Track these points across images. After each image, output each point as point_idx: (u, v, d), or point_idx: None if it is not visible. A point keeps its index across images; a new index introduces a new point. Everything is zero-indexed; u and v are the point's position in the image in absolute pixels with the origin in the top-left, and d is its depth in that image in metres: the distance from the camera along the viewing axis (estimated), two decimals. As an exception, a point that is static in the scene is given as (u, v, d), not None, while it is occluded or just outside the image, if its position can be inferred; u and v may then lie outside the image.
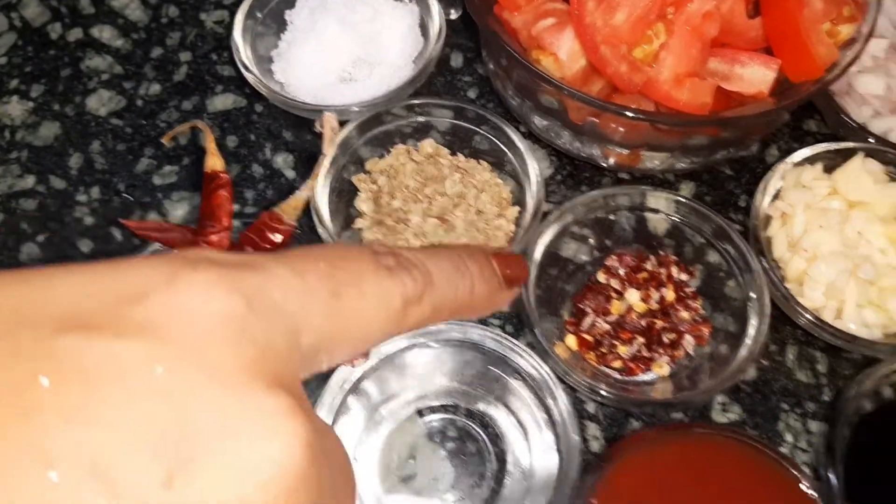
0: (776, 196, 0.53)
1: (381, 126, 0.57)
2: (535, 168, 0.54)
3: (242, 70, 0.59)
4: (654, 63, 0.48)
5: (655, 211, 0.55)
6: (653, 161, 0.56)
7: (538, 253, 0.51)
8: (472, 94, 0.64)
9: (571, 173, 0.61)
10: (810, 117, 0.62)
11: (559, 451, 0.46)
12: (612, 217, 0.55)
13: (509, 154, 0.56)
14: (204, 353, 0.18)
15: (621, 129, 0.51)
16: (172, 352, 0.18)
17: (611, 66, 0.46)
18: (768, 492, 0.44)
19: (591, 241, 0.56)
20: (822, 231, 0.50)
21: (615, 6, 0.46)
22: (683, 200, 0.53)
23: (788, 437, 0.51)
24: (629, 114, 0.47)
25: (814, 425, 0.51)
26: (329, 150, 0.50)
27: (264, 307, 0.20)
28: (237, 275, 0.20)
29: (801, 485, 0.43)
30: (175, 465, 0.17)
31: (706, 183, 0.60)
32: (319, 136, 0.51)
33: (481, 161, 0.57)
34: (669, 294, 0.52)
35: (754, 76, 0.49)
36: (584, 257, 0.56)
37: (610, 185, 0.60)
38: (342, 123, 0.54)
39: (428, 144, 0.57)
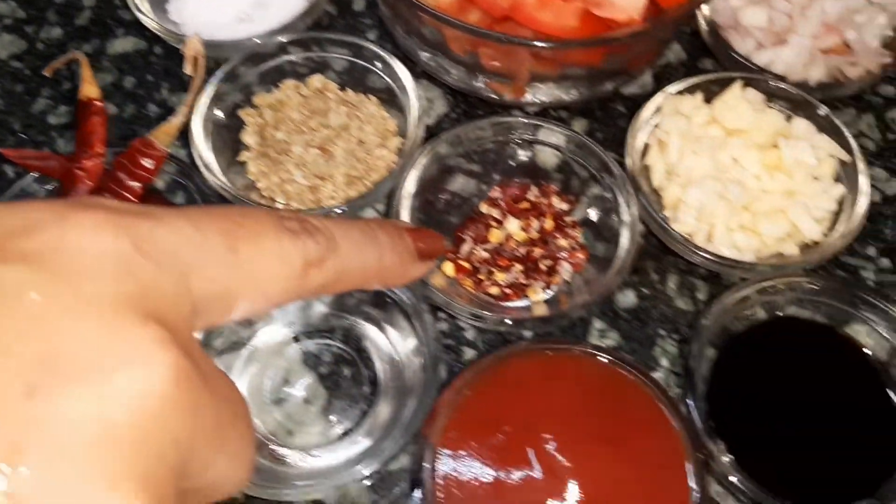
0: (657, 126, 0.53)
1: (272, 61, 0.58)
2: (415, 100, 0.54)
3: (134, 9, 0.59)
4: (520, -14, 0.48)
5: (543, 144, 0.55)
6: (538, 94, 0.56)
7: (411, 182, 0.51)
8: (371, 35, 0.64)
9: (466, 111, 0.61)
10: (706, 56, 0.62)
11: (425, 373, 0.46)
12: (501, 151, 0.55)
13: (397, 90, 0.56)
14: (82, 285, 0.19)
15: (497, 59, 0.51)
16: (50, 280, 0.19)
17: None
18: (626, 407, 0.44)
19: (480, 174, 0.56)
20: (695, 157, 0.50)
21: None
22: (567, 134, 0.53)
23: (664, 362, 0.51)
24: (499, 38, 0.47)
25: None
26: (192, 72, 0.50)
27: (153, 250, 0.21)
28: (129, 219, 0.21)
29: (658, 401, 0.44)
30: (39, 381, 0.17)
31: (599, 120, 0.60)
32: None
33: (370, 96, 0.57)
34: (548, 223, 0.53)
35: (624, 2, 0.50)
36: (472, 190, 0.56)
37: (503, 121, 0.60)
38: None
39: (316, 79, 0.57)
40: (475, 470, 0.42)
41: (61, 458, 0.17)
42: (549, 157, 0.56)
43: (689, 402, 0.44)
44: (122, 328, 0.19)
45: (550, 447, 0.42)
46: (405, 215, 0.50)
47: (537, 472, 0.41)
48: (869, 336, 0.48)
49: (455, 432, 0.43)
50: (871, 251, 0.55)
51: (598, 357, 0.45)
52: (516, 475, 0.42)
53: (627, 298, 0.53)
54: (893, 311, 0.46)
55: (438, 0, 0.50)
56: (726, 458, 0.43)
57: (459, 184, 0.56)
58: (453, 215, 0.55)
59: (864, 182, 0.50)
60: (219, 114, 0.55)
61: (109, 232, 0.20)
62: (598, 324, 0.52)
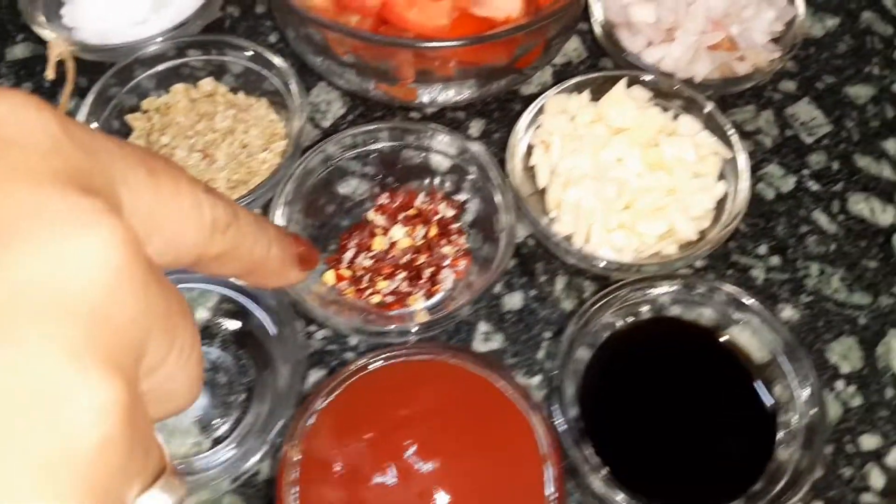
0: (539, 126, 0.53)
1: (163, 64, 0.57)
2: (299, 103, 0.53)
3: (24, 16, 0.59)
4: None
5: (430, 149, 0.54)
6: (431, 95, 0.56)
7: (291, 185, 0.51)
8: (272, 38, 0.64)
9: (364, 113, 0.60)
10: (606, 55, 0.62)
11: (292, 379, 0.46)
12: (394, 153, 0.55)
13: (288, 93, 0.56)
14: (11, 154, 0.18)
15: (377, 60, 0.51)
16: None
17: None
18: (489, 412, 0.44)
19: (372, 176, 0.56)
20: (575, 156, 0.50)
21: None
22: (451, 137, 0.53)
23: (548, 365, 0.51)
24: (366, 37, 0.46)
25: (570, 351, 0.51)
26: (54, 75, 0.50)
27: (77, 137, 0.19)
28: (52, 108, 0.19)
29: (521, 406, 0.43)
30: None
31: (496, 120, 0.60)
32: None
33: (262, 99, 0.57)
34: (433, 230, 0.52)
35: (498, 1, 0.49)
36: (364, 193, 0.56)
37: (399, 122, 0.60)
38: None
39: (206, 83, 0.57)
40: (334, 477, 0.41)
41: (14, 328, 0.15)
42: (439, 161, 0.55)
43: (554, 406, 0.44)
44: (62, 195, 0.17)
45: (410, 453, 0.42)
46: (280, 219, 0.50)
47: (395, 478, 0.41)
48: (748, 338, 0.48)
49: (316, 439, 0.42)
50: (763, 249, 0.54)
51: (464, 362, 0.44)
52: (376, 481, 0.41)
53: (514, 301, 0.53)
54: (769, 315, 0.46)
55: (314, 1, 0.50)
56: (593, 463, 0.43)
57: (351, 186, 0.56)
58: (344, 219, 0.55)
59: (743, 180, 0.50)
60: (107, 118, 0.54)
61: (34, 108, 0.19)
62: (483, 327, 0.52)
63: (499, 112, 0.60)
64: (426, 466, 0.41)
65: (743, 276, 0.53)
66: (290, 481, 0.41)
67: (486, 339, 0.52)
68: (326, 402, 0.43)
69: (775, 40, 0.57)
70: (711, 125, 0.52)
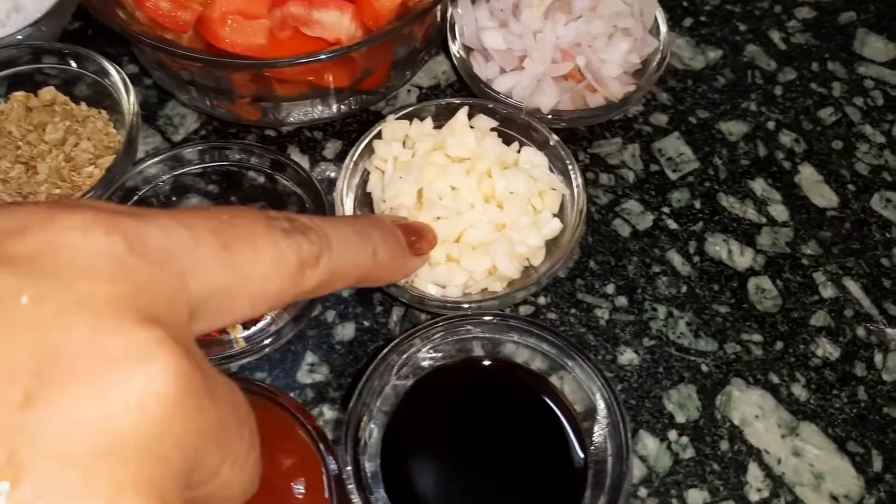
0: (374, 152, 0.51)
1: (9, 69, 0.55)
2: (131, 116, 0.51)
3: None
4: (209, 2, 0.45)
5: (268, 171, 0.52)
6: (276, 113, 0.54)
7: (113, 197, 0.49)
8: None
9: (217, 129, 0.58)
10: (475, 79, 0.60)
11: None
12: (239, 173, 0.53)
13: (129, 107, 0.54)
14: (75, 286, 0.18)
15: (208, 77, 0.49)
16: (41, 283, 0.18)
17: (150, 3, 0.44)
18: (281, 449, 0.42)
19: (216, 195, 0.53)
20: (402, 183, 0.48)
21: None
22: (273, 158, 0.51)
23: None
24: (178, 53, 0.44)
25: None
26: None
27: (145, 249, 0.20)
28: (118, 218, 0.20)
29: (312, 445, 0.41)
30: (36, 389, 0.16)
31: (353, 142, 0.58)
32: None
33: (102, 112, 0.55)
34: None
35: (331, 21, 0.47)
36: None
37: (254, 140, 0.58)
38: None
39: (46, 92, 0.55)
40: None
41: (63, 469, 0.16)
42: (281, 182, 0.53)
43: (346, 444, 0.41)
44: (119, 329, 0.18)
45: None
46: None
47: None
48: (572, 386, 0.45)
49: None
50: (611, 288, 0.52)
51: (262, 397, 0.42)
52: None
53: (346, 331, 0.51)
54: (592, 366, 0.43)
55: (138, 16, 0.48)
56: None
57: (192, 205, 0.54)
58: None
59: (573, 216, 0.48)
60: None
61: (101, 231, 0.19)
62: (310, 357, 0.50)
63: (358, 133, 0.58)
64: None
65: (587, 315, 0.51)
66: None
67: (310, 371, 0.49)
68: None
69: (638, 71, 0.55)
70: (555, 159, 0.50)
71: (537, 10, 0.51)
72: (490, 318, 0.45)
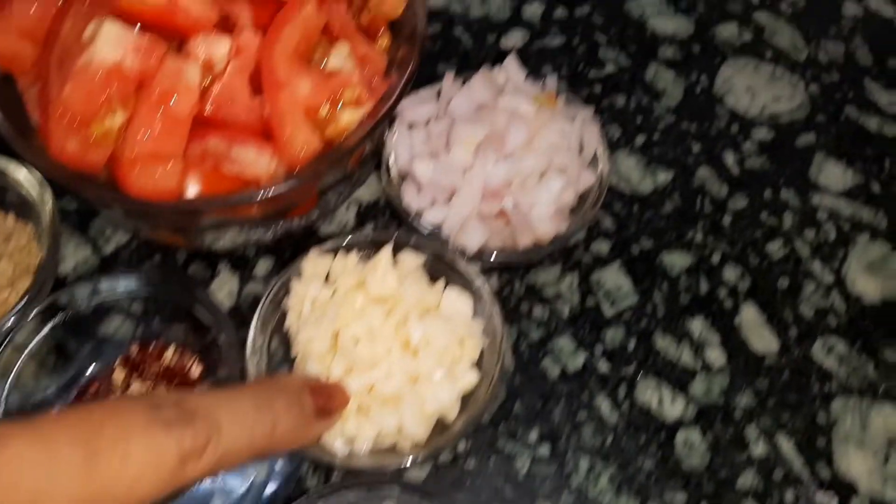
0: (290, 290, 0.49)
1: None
2: (48, 236, 0.50)
3: None
4: (120, 142, 0.44)
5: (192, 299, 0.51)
6: (201, 240, 0.53)
7: (31, 325, 0.48)
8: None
9: (148, 241, 0.57)
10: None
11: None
12: (161, 299, 0.51)
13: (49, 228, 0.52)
14: None
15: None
16: None
17: (56, 142, 0.43)
18: None
19: (139, 317, 0.52)
20: (315, 327, 0.46)
21: (66, 77, 0.43)
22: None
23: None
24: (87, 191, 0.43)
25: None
26: None
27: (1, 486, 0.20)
28: None
29: None
30: None
31: (286, 261, 0.56)
32: None
33: (28, 225, 0.54)
34: (172, 391, 0.49)
35: (248, 159, 0.46)
36: (129, 333, 0.52)
37: (184, 256, 0.57)
38: None
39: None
40: None
41: None
42: (200, 310, 0.52)
43: None
44: None
45: None
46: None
47: None
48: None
49: None
50: (534, 436, 0.51)
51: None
52: None
53: (269, 489, 0.49)
54: None
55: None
56: None
57: (114, 325, 0.53)
58: (98, 361, 0.51)
59: (494, 377, 0.46)
60: None
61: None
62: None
63: (291, 250, 0.57)
64: None
65: (506, 465, 0.50)
66: None
67: (214, 514, 0.48)
68: None
69: (576, 208, 0.53)
70: (480, 302, 0.49)
71: (467, 147, 0.49)
72: (391, 485, 0.43)
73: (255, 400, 0.29)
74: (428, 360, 0.46)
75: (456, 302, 0.49)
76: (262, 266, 0.56)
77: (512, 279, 0.56)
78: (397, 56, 0.50)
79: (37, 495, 0.21)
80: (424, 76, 0.62)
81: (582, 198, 0.53)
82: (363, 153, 0.53)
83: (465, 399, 0.48)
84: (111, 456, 0.23)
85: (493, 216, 0.51)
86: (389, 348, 0.47)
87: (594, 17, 0.70)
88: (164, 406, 0.26)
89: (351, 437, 0.46)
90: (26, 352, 0.48)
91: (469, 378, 0.47)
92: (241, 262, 0.56)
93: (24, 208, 0.54)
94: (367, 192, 0.59)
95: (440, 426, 0.47)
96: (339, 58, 0.48)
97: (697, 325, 0.55)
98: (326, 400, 0.36)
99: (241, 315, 0.53)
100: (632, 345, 0.54)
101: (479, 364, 0.48)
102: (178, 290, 0.50)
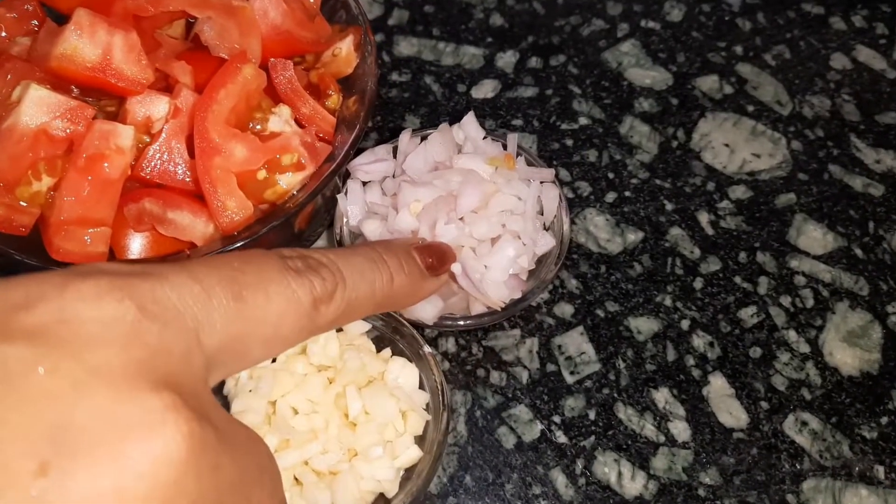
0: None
1: None
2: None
3: None
4: (48, 205, 0.43)
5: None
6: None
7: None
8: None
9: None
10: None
11: None
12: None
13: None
14: (88, 356, 0.19)
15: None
16: (56, 354, 0.19)
17: (-18, 206, 0.42)
18: None
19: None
20: (251, 397, 0.45)
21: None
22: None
23: None
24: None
25: None
26: None
27: (157, 311, 0.21)
28: (129, 281, 0.21)
29: None
30: (52, 457, 0.17)
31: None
32: None
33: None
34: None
35: (184, 223, 0.45)
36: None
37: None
38: None
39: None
40: None
41: None
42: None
43: None
44: (131, 397, 0.19)
45: None
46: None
47: None
48: None
49: None
50: (483, 512, 0.48)
51: None
52: None
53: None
54: None
55: None
56: None
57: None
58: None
59: (435, 453, 0.44)
60: None
61: (112, 297, 0.20)
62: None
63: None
64: None
65: (452, 543, 0.47)
66: None
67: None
68: None
69: (534, 269, 0.51)
70: (427, 371, 0.47)
71: (413, 209, 0.47)
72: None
73: (371, 256, 0.31)
74: (367, 435, 0.44)
75: (401, 373, 0.47)
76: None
77: (469, 342, 0.54)
78: (347, 114, 0.49)
79: (197, 324, 0.22)
80: (389, 127, 0.61)
81: (541, 261, 0.51)
82: (312, 212, 0.51)
83: (410, 471, 0.45)
84: (255, 296, 0.24)
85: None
86: (328, 420, 0.45)
87: (569, 66, 0.68)
88: (291, 258, 0.27)
89: (283, 513, 0.43)
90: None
91: (410, 454, 0.45)
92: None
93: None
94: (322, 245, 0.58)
95: (381, 501, 0.45)
96: (278, 121, 0.47)
97: (662, 396, 0.52)
98: (436, 258, 0.37)
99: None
100: (592, 415, 0.52)
101: (423, 438, 0.46)
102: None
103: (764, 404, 0.52)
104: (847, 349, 0.55)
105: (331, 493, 0.43)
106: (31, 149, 0.41)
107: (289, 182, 0.45)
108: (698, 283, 0.57)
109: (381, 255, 0.31)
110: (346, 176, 0.53)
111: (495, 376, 0.53)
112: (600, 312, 0.56)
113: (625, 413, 0.52)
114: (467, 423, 0.51)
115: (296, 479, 0.44)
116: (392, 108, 0.64)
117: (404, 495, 0.44)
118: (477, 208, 0.49)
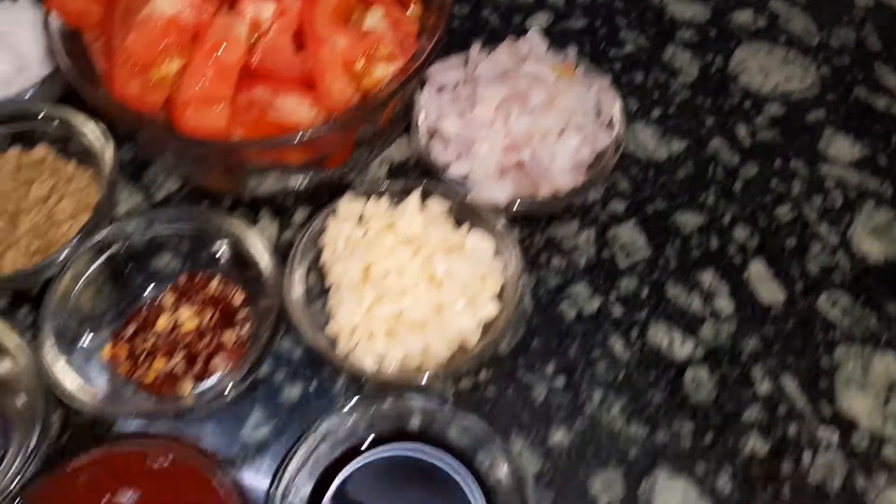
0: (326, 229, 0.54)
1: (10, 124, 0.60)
2: (111, 177, 0.56)
3: None
4: (176, 86, 0.49)
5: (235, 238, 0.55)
6: (244, 185, 0.57)
7: (84, 259, 0.53)
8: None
9: (196, 188, 0.62)
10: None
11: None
12: (205, 239, 0.56)
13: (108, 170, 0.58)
14: None
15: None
16: None
17: (119, 85, 0.48)
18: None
19: (187, 255, 0.57)
20: (349, 261, 0.51)
21: (129, 28, 0.48)
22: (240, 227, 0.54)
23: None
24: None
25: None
26: None
27: None
28: None
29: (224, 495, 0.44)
30: None
31: (323, 206, 0.61)
32: None
33: (89, 170, 0.59)
34: (218, 315, 0.53)
35: (290, 107, 0.51)
36: (176, 270, 0.57)
37: (229, 201, 0.61)
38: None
39: (39, 150, 0.59)
40: None
41: None
42: (244, 250, 0.56)
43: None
44: None
45: None
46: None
47: None
48: (493, 467, 0.47)
49: None
50: (550, 368, 0.54)
51: (179, 454, 0.45)
52: None
53: (293, 392, 0.53)
54: (506, 448, 0.45)
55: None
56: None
57: (164, 260, 0.57)
58: (150, 291, 0.56)
59: (513, 307, 0.50)
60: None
61: None
62: (255, 414, 0.52)
63: (328, 199, 0.61)
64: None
65: (524, 393, 0.53)
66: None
67: (255, 428, 0.52)
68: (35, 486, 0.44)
69: (594, 162, 0.57)
70: (502, 243, 0.53)
71: (489, 104, 0.54)
72: (424, 396, 0.47)
73: None
74: (451, 292, 0.50)
75: (479, 243, 0.53)
76: (300, 214, 0.61)
77: (532, 232, 0.60)
78: (427, 24, 0.55)
79: None
80: (454, 50, 0.67)
81: (599, 157, 0.57)
82: (395, 109, 0.58)
83: (486, 329, 0.51)
84: None
85: (514, 167, 0.55)
86: (416, 282, 0.51)
87: (615, 2, 0.74)
88: None
89: (380, 356, 0.50)
90: (83, 278, 0.53)
91: (489, 309, 0.51)
92: (280, 210, 0.61)
93: (85, 156, 0.59)
94: (397, 152, 0.64)
95: (462, 351, 0.51)
96: (373, 19, 0.53)
97: (707, 277, 0.58)
98: None
99: (279, 257, 0.58)
100: (645, 292, 0.58)
101: (499, 297, 0.52)
102: (223, 228, 0.55)
103: (799, 285, 0.58)
104: (873, 241, 0.60)
105: (423, 339, 0.49)
106: (163, 35, 0.48)
107: (382, 73, 0.51)
108: (738, 186, 0.63)
109: None
110: (422, 83, 0.60)
111: (556, 261, 0.59)
112: (650, 209, 0.62)
113: (674, 292, 0.58)
114: (532, 299, 0.57)
115: (389, 332, 0.50)
116: (454, 36, 0.70)
117: (483, 346, 0.50)
118: (544, 104, 0.55)
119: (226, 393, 0.49)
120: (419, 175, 0.62)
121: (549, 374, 0.54)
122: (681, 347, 0.55)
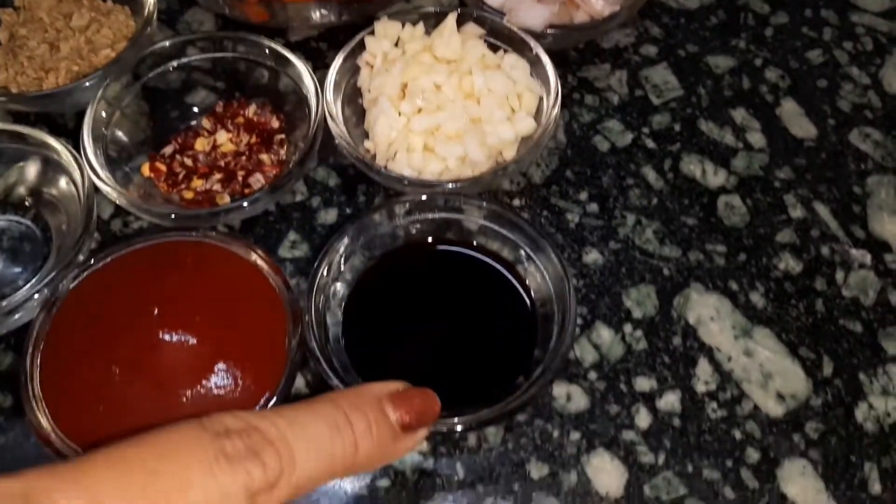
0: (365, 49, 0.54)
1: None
2: (151, 6, 0.56)
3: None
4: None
5: (277, 70, 0.56)
6: (283, 13, 0.58)
7: (120, 81, 0.53)
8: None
9: (225, 26, 0.62)
10: None
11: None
12: (246, 71, 0.56)
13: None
14: None
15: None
16: None
17: None
18: (239, 289, 0.44)
19: (223, 90, 0.57)
20: (387, 75, 0.51)
21: None
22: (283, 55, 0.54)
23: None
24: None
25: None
26: None
27: None
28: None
29: (271, 283, 0.44)
30: None
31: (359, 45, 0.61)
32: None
33: (126, 7, 0.59)
34: (255, 138, 0.54)
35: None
36: (209, 104, 0.57)
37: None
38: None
39: (76, -16, 0.59)
40: (77, 368, 0.40)
41: None
42: (283, 80, 0.56)
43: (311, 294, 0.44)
44: None
45: (156, 326, 0.42)
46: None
47: (139, 352, 0.41)
48: (531, 273, 0.47)
49: (56, 333, 0.42)
50: (584, 196, 0.55)
51: (217, 241, 0.45)
52: (121, 359, 0.40)
53: (329, 216, 0.54)
54: (551, 254, 0.45)
55: None
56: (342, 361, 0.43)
57: (200, 97, 0.58)
58: (183, 123, 0.56)
59: (549, 121, 0.50)
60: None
61: None
62: (292, 235, 0.53)
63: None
64: (173, 337, 0.41)
65: (558, 217, 0.54)
66: (28, 380, 0.40)
67: (292, 247, 0.53)
68: (75, 283, 0.44)
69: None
70: (536, 66, 0.53)
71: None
72: (463, 199, 0.47)
73: (332, 420, 0.26)
74: (489, 105, 0.51)
75: (515, 62, 0.53)
76: (332, 54, 0.61)
77: (565, 73, 0.60)
78: None
79: None
80: None
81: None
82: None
83: (523, 147, 0.52)
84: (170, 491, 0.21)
85: (551, -6, 0.55)
86: (454, 98, 0.51)
87: None
88: (230, 435, 0.23)
89: (418, 169, 0.50)
90: (122, 105, 0.53)
91: (526, 123, 0.51)
92: (314, 54, 0.61)
93: (122, -3, 0.60)
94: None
95: (499, 164, 0.51)
96: None
97: (739, 114, 0.59)
98: (412, 413, 0.29)
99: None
100: (677, 127, 0.58)
101: (536, 114, 0.52)
102: (260, 54, 0.55)
103: (831, 121, 0.58)
104: (905, 82, 0.60)
105: (461, 147, 0.49)
106: None
107: None
108: (769, 32, 0.63)
109: (346, 417, 0.26)
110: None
111: (589, 99, 0.59)
112: (682, 52, 0.62)
113: (706, 126, 0.58)
114: (565, 133, 0.57)
115: (426, 147, 0.51)
116: None
117: (521, 155, 0.51)
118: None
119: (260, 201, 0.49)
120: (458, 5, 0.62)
121: (582, 201, 0.54)
122: (714, 176, 0.56)
